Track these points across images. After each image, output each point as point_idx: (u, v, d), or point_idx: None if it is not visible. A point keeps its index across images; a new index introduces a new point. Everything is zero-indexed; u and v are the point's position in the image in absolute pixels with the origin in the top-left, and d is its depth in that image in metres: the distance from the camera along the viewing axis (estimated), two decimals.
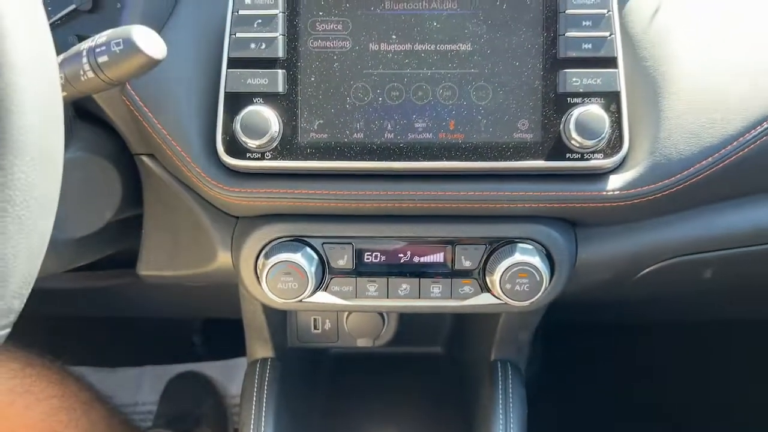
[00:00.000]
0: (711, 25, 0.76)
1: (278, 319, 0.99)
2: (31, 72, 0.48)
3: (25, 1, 0.49)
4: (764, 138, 0.74)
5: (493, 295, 0.79)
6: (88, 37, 0.87)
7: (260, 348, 0.98)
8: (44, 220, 0.51)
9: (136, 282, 0.94)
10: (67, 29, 0.88)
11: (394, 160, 0.74)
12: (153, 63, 0.63)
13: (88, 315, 1.35)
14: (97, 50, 0.63)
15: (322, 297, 0.80)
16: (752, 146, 0.74)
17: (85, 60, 0.64)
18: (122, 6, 0.78)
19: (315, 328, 1.03)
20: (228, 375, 1.63)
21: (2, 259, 0.48)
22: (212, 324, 1.67)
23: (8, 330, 0.52)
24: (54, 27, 0.90)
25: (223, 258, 0.83)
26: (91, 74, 0.64)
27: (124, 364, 1.63)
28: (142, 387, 1.63)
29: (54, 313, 1.17)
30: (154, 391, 1.60)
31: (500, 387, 0.92)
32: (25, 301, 0.52)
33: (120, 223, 0.88)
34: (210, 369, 1.64)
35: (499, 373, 0.93)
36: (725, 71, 0.75)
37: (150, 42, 0.62)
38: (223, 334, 1.60)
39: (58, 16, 0.91)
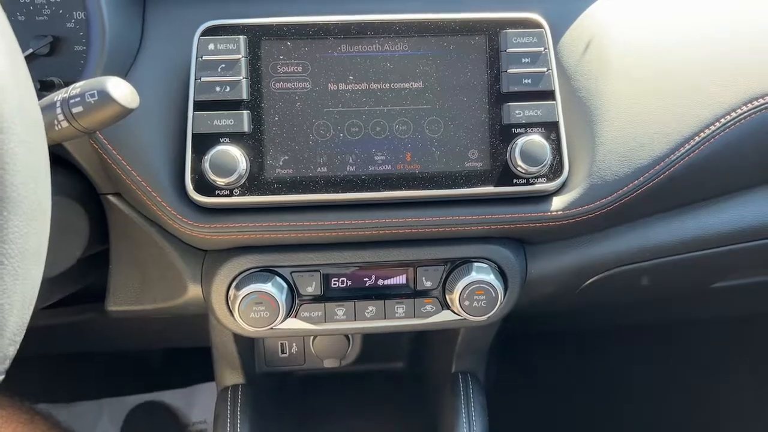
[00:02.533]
0: (636, 57, 0.85)
1: (247, 346, 1.03)
2: (20, 129, 0.51)
3: (10, 57, 0.52)
4: (686, 158, 0.82)
5: (453, 312, 0.85)
6: (48, 81, 0.90)
7: (230, 375, 1.01)
8: (37, 268, 0.53)
9: (98, 317, 0.95)
10: None
11: (357, 191, 0.79)
12: (126, 112, 0.66)
13: (48, 352, 1.34)
14: (71, 101, 0.66)
15: (293, 323, 0.84)
16: (676, 166, 0.82)
17: (59, 110, 0.66)
18: (87, 51, 0.81)
19: (282, 352, 1.07)
20: (188, 402, 1.64)
21: None
22: (170, 352, 1.67)
23: (2, 377, 0.54)
24: None
25: (193, 291, 0.86)
26: (65, 124, 0.67)
27: (82, 399, 1.62)
28: (101, 420, 1.62)
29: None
30: (114, 424, 1.60)
31: (462, 397, 0.98)
32: (18, 347, 0.54)
33: (86, 260, 0.89)
34: (169, 397, 1.64)
35: (461, 384, 0.99)
36: (648, 99, 0.83)
37: (124, 92, 0.65)
38: (180, 361, 1.61)
39: None
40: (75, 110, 0.66)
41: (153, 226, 0.85)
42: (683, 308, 1.32)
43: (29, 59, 0.92)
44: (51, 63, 0.92)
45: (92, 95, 0.65)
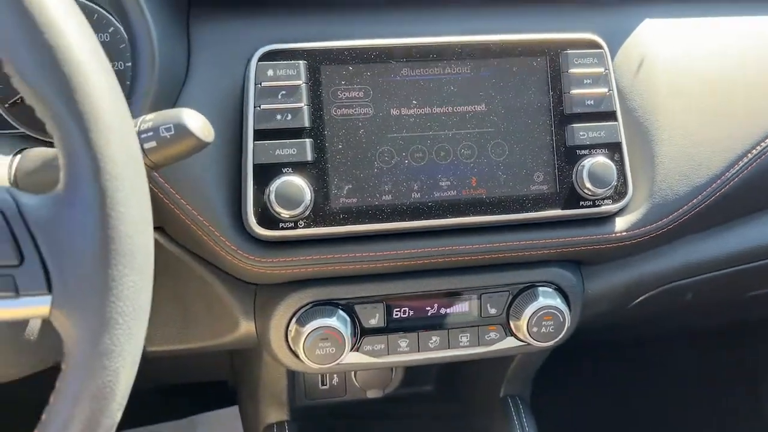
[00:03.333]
0: (688, 75, 0.85)
1: (294, 381, 0.99)
2: (132, 174, 0.47)
3: (114, 94, 0.47)
4: (741, 174, 0.83)
5: (517, 338, 0.83)
6: None
7: (275, 412, 0.96)
8: (145, 324, 0.49)
9: None
10: None
11: (423, 218, 0.76)
12: (202, 147, 0.61)
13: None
14: (143, 135, 0.61)
15: (355, 357, 0.81)
16: (731, 183, 0.83)
17: None
18: (134, 74, 0.75)
19: (322, 384, 1.03)
20: None
21: (114, 373, 0.46)
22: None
23: None
24: None
25: (246, 327, 0.82)
26: None
27: None
28: None
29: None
30: None
31: (515, 423, 0.96)
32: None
33: None
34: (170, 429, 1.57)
35: (512, 410, 0.98)
36: (702, 116, 0.84)
37: (200, 125, 0.61)
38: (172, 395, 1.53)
39: None
40: (147, 145, 0.61)
41: (198, 260, 0.81)
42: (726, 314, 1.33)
43: None
44: None
45: (168, 129, 0.60)
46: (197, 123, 0.61)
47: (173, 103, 0.76)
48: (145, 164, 0.63)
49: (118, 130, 0.46)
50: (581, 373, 1.47)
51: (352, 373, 1.02)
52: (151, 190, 0.74)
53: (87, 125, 0.44)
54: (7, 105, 0.87)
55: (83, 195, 0.44)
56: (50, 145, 0.82)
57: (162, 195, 0.74)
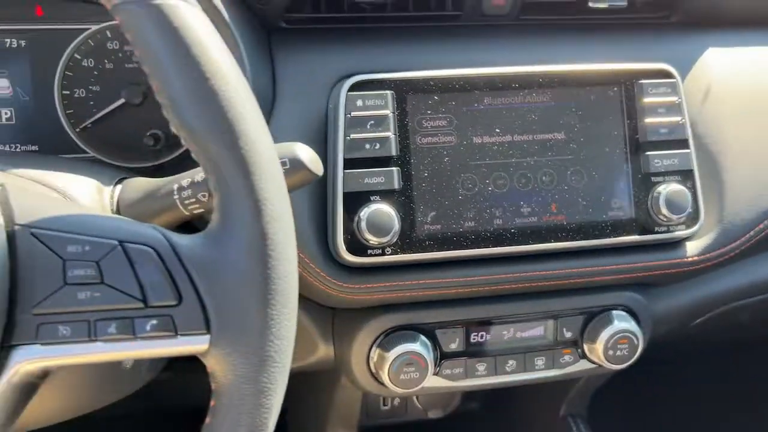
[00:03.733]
0: (754, 102, 0.88)
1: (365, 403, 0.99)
2: (287, 218, 0.48)
3: (269, 145, 0.48)
4: None
5: (591, 361, 0.85)
6: (154, 135, 0.85)
7: None
8: (290, 360, 0.50)
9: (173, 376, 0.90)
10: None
11: (506, 245, 0.78)
12: (312, 179, 0.62)
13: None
14: None
15: (434, 381, 0.82)
16: None
17: None
18: None
19: (384, 404, 1.04)
20: None
21: (268, 411, 0.46)
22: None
23: None
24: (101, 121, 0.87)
25: (325, 351, 0.83)
26: None
27: None
28: None
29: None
30: None
31: None
32: None
33: None
34: None
35: (573, 429, 0.99)
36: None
37: (312, 158, 0.62)
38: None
39: (107, 110, 0.87)
40: None
41: None
42: None
43: (120, 110, 0.87)
44: (143, 113, 0.87)
45: (284, 163, 0.61)
46: (309, 156, 0.62)
47: None
48: None
49: (275, 174, 0.47)
50: (634, 389, 1.48)
51: None
52: None
53: (249, 170, 0.45)
54: (78, 129, 0.87)
55: (243, 236, 0.45)
56: (122, 169, 0.83)
57: None
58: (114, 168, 0.81)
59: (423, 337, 0.80)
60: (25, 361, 0.45)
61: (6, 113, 0.87)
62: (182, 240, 0.46)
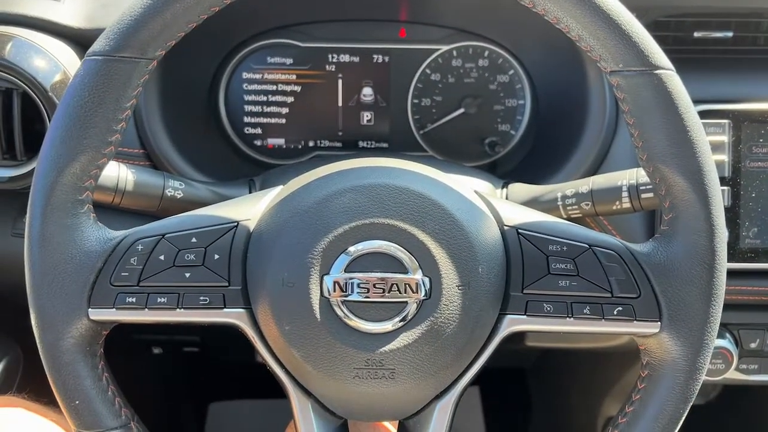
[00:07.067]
0: None
1: None
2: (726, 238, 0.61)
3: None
4: None
5: None
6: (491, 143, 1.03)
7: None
8: None
9: None
10: None
11: None
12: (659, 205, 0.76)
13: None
14: (641, 188, 0.75)
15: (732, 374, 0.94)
16: None
17: (625, 194, 0.76)
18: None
19: None
20: None
21: (698, 384, 0.61)
22: None
23: None
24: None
25: None
26: (627, 205, 0.77)
27: None
28: None
29: None
30: None
31: None
32: None
33: None
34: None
35: None
36: None
37: None
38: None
39: (448, 117, 1.05)
40: (644, 196, 0.75)
41: None
42: None
43: (457, 117, 1.05)
44: (475, 121, 1.04)
45: None
46: None
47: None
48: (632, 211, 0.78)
49: (721, 203, 0.60)
50: None
51: None
52: None
53: (709, 202, 0.58)
54: (421, 132, 1.06)
55: (696, 250, 0.59)
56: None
57: None
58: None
59: (728, 335, 0.92)
60: (515, 326, 0.63)
61: (367, 116, 1.07)
62: (636, 247, 0.61)
